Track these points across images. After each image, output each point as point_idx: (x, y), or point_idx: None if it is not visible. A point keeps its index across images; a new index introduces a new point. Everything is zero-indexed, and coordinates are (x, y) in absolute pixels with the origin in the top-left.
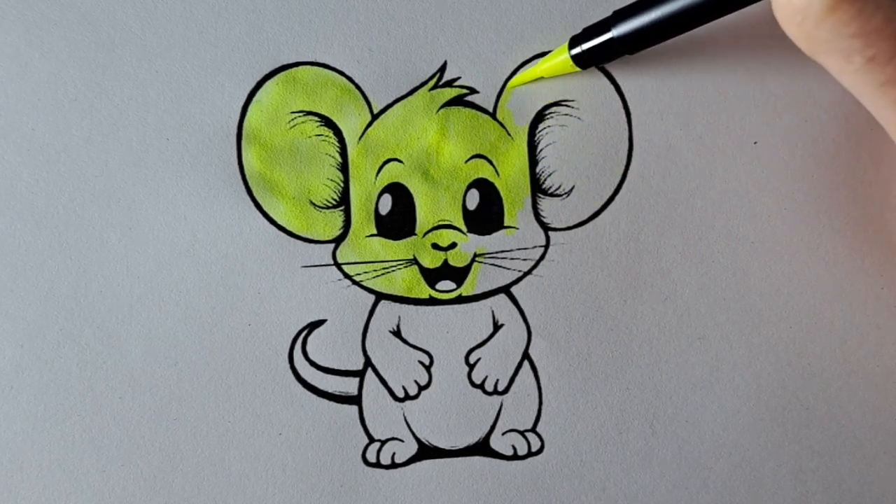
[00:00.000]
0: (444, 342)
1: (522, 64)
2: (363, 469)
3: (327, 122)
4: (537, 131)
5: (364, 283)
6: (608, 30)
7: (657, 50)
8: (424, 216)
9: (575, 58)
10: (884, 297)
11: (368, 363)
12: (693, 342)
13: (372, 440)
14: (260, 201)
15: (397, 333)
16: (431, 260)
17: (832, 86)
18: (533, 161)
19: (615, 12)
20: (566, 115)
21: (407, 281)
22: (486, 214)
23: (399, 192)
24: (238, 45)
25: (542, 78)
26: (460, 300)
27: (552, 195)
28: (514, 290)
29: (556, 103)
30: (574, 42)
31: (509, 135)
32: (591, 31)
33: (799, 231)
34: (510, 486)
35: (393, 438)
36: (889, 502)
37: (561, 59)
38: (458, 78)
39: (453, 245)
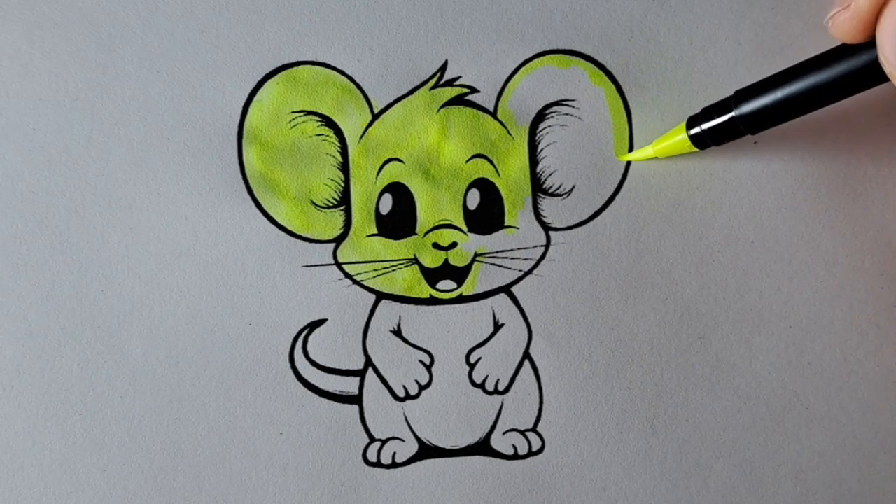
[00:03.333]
0: (444, 342)
1: (523, 63)
2: (364, 468)
3: (328, 122)
4: (538, 131)
5: (365, 283)
6: (729, 109)
7: (657, 49)
8: (425, 216)
9: (693, 138)
10: (884, 297)
11: (369, 363)
12: (693, 342)
13: (372, 440)
14: (261, 201)
15: (398, 333)
16: (432, 259)
17: None
18: (533, 161)
19: (737, 92)
20: (567, 114)
21: (407, 280)
22: (486, 214)
23: (400, 192)
24: (239, 45)
25: (656, 157)
26: (461, 300)
27: (553, 195)
28: (514, 289)
29: (557, 103)
30: (692, 122)
31: (510, 134)
32: (710, 111)
33: (799, 231)
34: (511, 486)
35: (393, 438)
36: (889, 502)
37: (679, 139)
38: (459, 77)
39: (454, 244)
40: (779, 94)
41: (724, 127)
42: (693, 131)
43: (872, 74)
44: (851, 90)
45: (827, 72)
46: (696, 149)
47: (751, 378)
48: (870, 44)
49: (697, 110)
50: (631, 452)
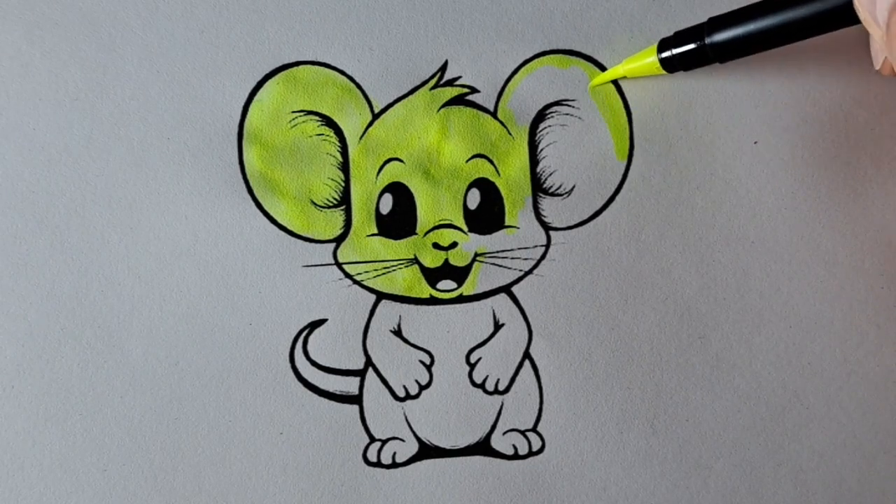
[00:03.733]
0: (444, 342)
1: (523, 63)
2: (364, 468)
3: (328, 122)
4: (538, 131)
5: (365, 283)
6: (701, 37)
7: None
8: (425, 215)
9: (663, 61)
10: (884, 297)
11: (369, 363)
12: (693, 342)
13: (373, 440)
14: (261, 201)
15: (398, 333)
16: (432, 259)
17: (832, 86)
18: (534, 160)
19: (710, 19)
20: (567, 114)
21: (408, 280)
22: (486, 214)
23: (400, 192)
24: (239, 45)
25: (624, 77)
26: (461, 300)
27: (553, 194)
28: (514, 289)
29: (557, 103)
30: (663, 45)
31: (510, 134)
32: (682, 36)
33: (799, 231)
34: (511, 486)
35: (394, 438)
36: (889, 502)
37: (648, 60)
38: (459, 77)
39: (454, 244)
40: (751, 27)
41: (694, 53)
42: (664, 55)
43: (845, 15)
44: (823, 28)
45: (801, 8)
46: (664, 72)
47: (751, 378)
48: None
49: (698, 110)
50: (631, 452)
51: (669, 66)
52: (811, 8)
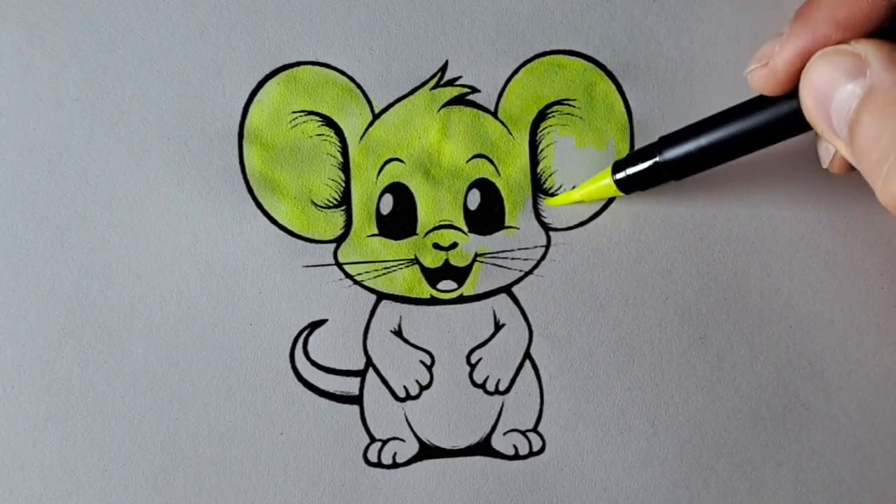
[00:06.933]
0: (445, 342)
1: (523, 63)
2: (364, 469)
3: (328, 122)
4: (538, 131)
5: (365, 283)
6: (653, 155)
7: (657, 49)
8: (425, 216)
9: (619, 182)
10: (884, 297)
11: (369, 363)
12: (694, 342)
13: (373, 440)
14: (261, 201)
15: (398, 333)
16: (433, 260)
17: None
18: (534, 161)
19: (661, 138)
20: (567, 114)
21: (408, 280)
22: (487, 214)
23: (400, 192)
24: (239, 45)
25: (582, 202)
26: (461, 300)
27: (553, 195)
28: (515, 289)
29: (557, 103)
30: (617, 167)
31: (510, 134)
32: (635, 157)
33: (799, 231)
34: (511, 486)
35: (394, 438)
36: (889, 502)
37: (604, 183)
38: (460, 77)
39: (454, 245)
40: (702, 141)
41: (648, 172)
42: (618, 176)
43: (795, 123)
44: (774, 138)
45: (750, 120)
46: (621, 193)
47: (751, 378)
48: (791, 94)
49: (698, 110)
50: (632, 452)
51: (625, 187)
52: (761, 118)
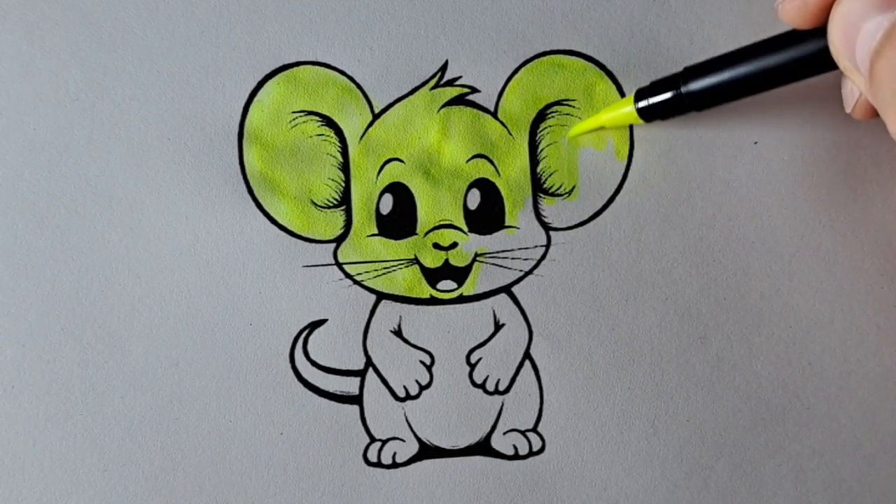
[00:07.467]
0: (445, 342)
1: (523, 63)
2: (364, 469)
3: (328, 122)
4: (538, 131)
5: (365, 283)
6: (678, 86)
7: (657, 49)
8: (425, 216)
9: (640, 111)
10: (884, 297)
11: (369, 363)
12: (694, 342)
13: (373, 440)
14: (261, 201)
15: (398, 333)
16: (432, 259)
17: (832, 86)
18: (534, 161)
19: (686, 69)
20: (567, 114)
21: (408, 280)
22: (487, 214)
23: (400, 192)
24: (239, 45)
25: (602, 127)
26: (461, 300)
27: (553, 195)
28: (515, 289)
29: (557, 103)
30: (640, 95)
31: (510, 134)
32: (658, 86)
33: (799, 231)
34: (511, 486)
35: (394, 438)
36: (889, 502)
37: (626, 110)
38: (460, 77)
39: (454, 245)
40: (726, 75)
41: (670, 102)
42: (640, 104)
43: (821, 62)
44: (799, 75)
45: (776, 56)
46: (642, 121)
47: (751, 378)
48: (819, 31)
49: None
50: (632, 452)
51: (647, 115)
52: (786, 55)
